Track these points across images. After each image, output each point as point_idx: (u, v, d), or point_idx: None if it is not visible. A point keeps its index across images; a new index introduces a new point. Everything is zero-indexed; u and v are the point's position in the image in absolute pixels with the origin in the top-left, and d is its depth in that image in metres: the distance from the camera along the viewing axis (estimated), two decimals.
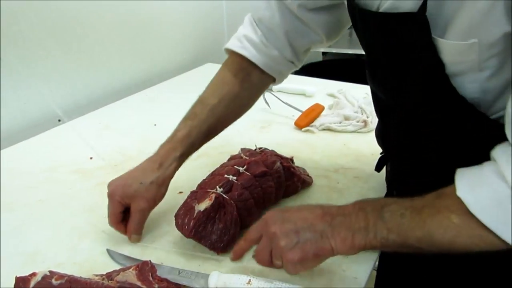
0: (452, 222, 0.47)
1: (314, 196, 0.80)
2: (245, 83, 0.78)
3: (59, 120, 1.18)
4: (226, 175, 0.70)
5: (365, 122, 1.03)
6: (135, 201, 0.69)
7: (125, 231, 0.70)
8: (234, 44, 0.77)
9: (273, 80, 0.81)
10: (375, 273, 0.86)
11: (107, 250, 0.68)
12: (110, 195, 0.70)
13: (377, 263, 0.74)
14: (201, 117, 0.76)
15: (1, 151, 1.00)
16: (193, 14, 1.60)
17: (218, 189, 0.67)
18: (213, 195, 0.66)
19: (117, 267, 0.64)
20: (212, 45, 1.72)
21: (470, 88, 0.52)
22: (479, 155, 0.48)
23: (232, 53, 0.78)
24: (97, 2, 1.20)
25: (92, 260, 0.66)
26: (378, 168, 0.82)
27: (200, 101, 0.79)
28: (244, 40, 0.76)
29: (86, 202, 0.81)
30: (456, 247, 0.48)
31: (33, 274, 0.57)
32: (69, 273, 0.58)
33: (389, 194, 0.80)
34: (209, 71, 1.51)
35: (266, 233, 0.57)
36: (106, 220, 0.74)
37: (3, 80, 1.03)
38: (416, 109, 0.60)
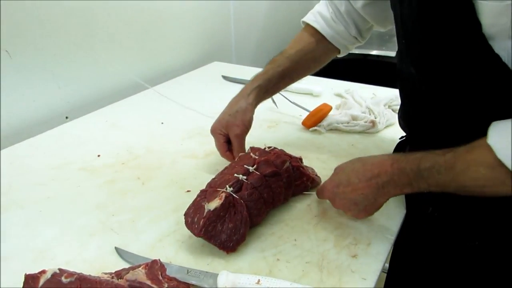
0: (481, 174, 0.52)
1: None
2: (319, 44, 0.91)
3: (66, 117, 1.18)
4: (236, 174, 0.70)
5: (373, 122, 1.02)
6: (230, 130, 0.84)
7: (232, 158, 0.83)
8: (309, 18, 0.92)
9: (338, 52, 0.95)
10: (384, 275, 0.85)
11: (116, 248, 0.68)
12: (212, 131, 0.86)
13: (387, 264, 0.74)
14: (278, 62, 0.89)
15: (10, 147, 1.01)
16: (200, 13, 1.60)
17: (228, 188, 0.67)
18: (223, 194, 0.66)
19: (126, 265, 0.64)
20: (219, 43, 1.72)
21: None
22: None
23: (307, 25, 0.92)
24: (106, 1, 1.20)
25: (101, 258, 0.66)
26: (396, 151, 0.85)
27: (280, 53, 0.92)
28: (318, 15, 0.90)
29: (95, 199, 0.81)
30: (487, 193, 0.54)
31: (43, 272, 0.57)
32: (78, 271, 0.58)
33: None
34: (216, 70, 1.54)
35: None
36: (115, 218, 0.75)
37: (12, 77, 1.03)
38: (452, 79, 0.60)
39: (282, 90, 0.95)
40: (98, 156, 0.96)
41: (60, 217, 0.76)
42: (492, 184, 0.52)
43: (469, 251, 0.70)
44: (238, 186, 0.68)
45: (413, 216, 0.76)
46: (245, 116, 0.84)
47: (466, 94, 0.60)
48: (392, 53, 1.89)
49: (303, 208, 0.76)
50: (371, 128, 1.02)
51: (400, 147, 0.86)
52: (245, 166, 0.72)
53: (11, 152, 0.99)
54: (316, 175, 0.83)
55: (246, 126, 0.85)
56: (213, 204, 0.65)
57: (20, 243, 0.70)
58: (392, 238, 0.69)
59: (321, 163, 0.90)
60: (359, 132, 1.03)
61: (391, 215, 0.74)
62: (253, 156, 0.75)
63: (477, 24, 0.52)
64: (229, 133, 0.84)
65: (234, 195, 0.67)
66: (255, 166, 0.72)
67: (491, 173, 0.51)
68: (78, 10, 1.13)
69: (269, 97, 0.93)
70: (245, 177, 0.69)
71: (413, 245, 0.78)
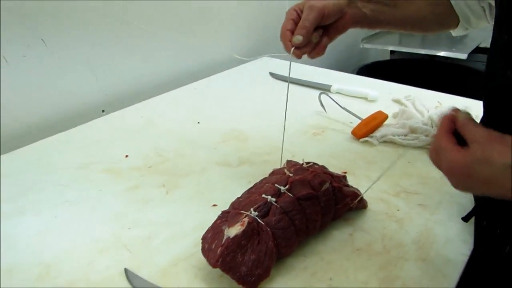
0: None
1: (369, 224, 0.68)
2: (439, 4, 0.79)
3: (103, 111, 1.13)
4: (264, 195, 0.60)
5: None
6: (306, 3, 0.69)
7: (289, 39, 0.69)
8: None
9: (455, 25, 0.81)
10: None
11: (125, 270, 0.60)
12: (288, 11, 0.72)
13: None
14: None
15: (40, 141, 0.96)
16: (252, 4, 1.50)
17: (252, 212, 0.57)
18: (246, 219, 0.56)
19: None
20: (271, 37, 1.61)
21: None
22: None
23: None
24: None
25: (109, 280, 0.59)
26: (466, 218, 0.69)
27: None
28: None
29: (114, 207, 0.74)
30: None
31: None
32: None
33: (479, 210, 0.67)
34: (265, 65, 1.43)
35: None
36: (130, 232, 0.67)
37: (47, 67, 0.99)
38: None
39: (332, 92, 0.83)
40: (126, 156, 0.89)
41: (75, 226, 0.70)
42: None
43: None
44: (266, 210, 0.58)
45: (481, 257, 0.62)
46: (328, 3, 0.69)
47: None
48: (463, 56, 1.69)
49: (344, 238, 0.65)
50: None
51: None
52: (276, 185, 0.61)
53: (41, 147, 0.94)
54: (362, 197, 0.70)
55: (323, 11, 0.69)
56: (234, 231, 0.55)
57: (27, 255, 0.64)
58: None
59: (370, 183, 0.77)
60: (418, 148, 0.88)
61: (452, 255, 0.61)
62: (287, 173, 0.65)
63: None
64: (304, 5, 0.70)
65: (260, 221, 0.57)
66: (287, 186, 0.61)
67: None
68: None
69: (360, 15, 0.76)
70: (274, 199, 0.59)
71: None
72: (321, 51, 0.74)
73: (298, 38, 0.68)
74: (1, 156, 0.90)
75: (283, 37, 0.71)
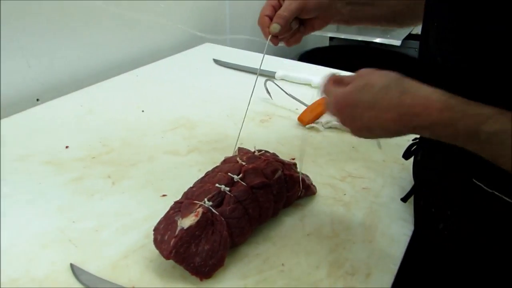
0: None
1: (318, 209, 0.70)
2: None
3: (37, 100, 1.06)
4: (217, 184, 0.59)
5: None
6: None
7: (267, 26, 0.67)
8: None
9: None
10: None
11: (71, 265, 0.57)
12: None
13: None
14: None
15: None
16: None
17: (206, 202, 0.57)
18: (200, 210, 0.56)
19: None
20: (213, 24, 1.59)
21: None
22: None
23: None
24: None
25: (54, 277, 0.56)
26: (406, 155, 0.74)
27: None
28: None
29: (57, 201, 0.70)
30: None
31: None
32: None
33: (416, 191, 0.70)
34: (207, 52, 1.41)
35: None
36: (75, 225, 0.65)
37: None
38: (494, 76, 0.49)
39: (277, 78, 0.83)
40: (67, 147, 0.85)
41: (14, 220, 0.66)
42: None
43: (488, 276, 0.60)
44: (220, 200, 0.58)
45: (421, 235, 0.66)
46: None
47: (507, 93, 0.48)
48: (397, 42, 1.76)
49: (295, 223, 0.66)
50: None
51: (411, 152, 0.75)
52: (229, 174, 0.61)
53: None
54: (312, 183, 0.72)
55: (309, 3, 0.68)
56: (188, 221, 0.55)
57: None
58: (395, 268, 0.59)
59: (318, 168, 0.80)
60: None
61: (396, 237, 0.65)
62: (240, 161, 0.65)
63: None
64: None
65: (214, 211, 0.56)
66: (241, 175, 0.61)
67: None
68: None
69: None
70: (228, 188, 0.59)
71: (419, 274, 0.69)
72: (299, 40, 0.74)
73: (275, 27, 0.67)
74: None
75: (261, 22, 0.69)
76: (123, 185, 0.74)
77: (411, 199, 0.71)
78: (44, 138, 0.88)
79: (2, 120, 0.94)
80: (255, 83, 0.75)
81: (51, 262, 0.58)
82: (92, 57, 1.19)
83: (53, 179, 0.75)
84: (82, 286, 0.55)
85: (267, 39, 0.69)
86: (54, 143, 0.86)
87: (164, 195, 0.71)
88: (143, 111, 1.00)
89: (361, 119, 0.53)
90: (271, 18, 0.68)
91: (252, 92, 0.75)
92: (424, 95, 0.48)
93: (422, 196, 0.68)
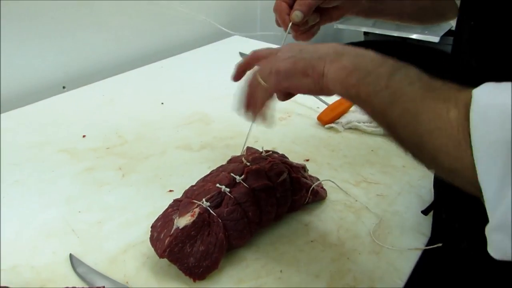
0: (445, 114, 0.36)
1: (325, 214, 0.67)
2: None
3: (63, 87, 1.08)
4: (218, 185, 0.58)
5: None
6: None
7: (286, 12, 0.62)
8: None
9: (454, 16, 0.70)
10: None
11: (70, 255, 0.58)
12: None
13: None
14: None
15: None
16: None
17: (205, 202, 0.56)
18: (197, 210, 0.54)
19: (77, 280, 0.54)
20: (243, 16, 1.57)
21: None
22: None
23: None
24: None
25: (52, 266, 0.56)
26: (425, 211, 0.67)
27: None
28: None
29: (67, 190, 0.71)
30: (430, 143, 0.37)
31: None
32: (23, 279, 0.51)
33: (438, 202, 0.65)
34: (236, 45, 1.40)
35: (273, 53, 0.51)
36: (80, 216, 0.65)
37: (2, 41, 0.94)
38: None
39: None
40: (84, 136, 0.86)
41: (23, 208, 0.67)
42: (447, 135, 0.36)
43: None
44: (219, 200, 0.56)
45: (437, 251, 0.62)
46: None
47: None
48: (436, 38, 1.67)
49: (299, 228, 0.64)
50: None
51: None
52: (231, 174, 0.59)
53: None
54: (322, 187, 0.70)
55: None
56: (183, 221, 0.54)
57: None
58: (401, 283, 0.56)
59: (332, 171, 0.77)
60: (382, 135, 0.88)
61: (406, 250, 0.61)
62: (245, 161, 0.63)
63: None
64: None
65: (211, 212, 0.55)
66: (243, 176, 0.59)
67: (456, 122, 0.35)
68: None
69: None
70: (228, 189, 0.57)
71: None
72: (310, 36, 0.68)
73: (297, 15, 0.60)
74: None
75: (278, 9, 0.62)
76: (132, 178, 0.74)
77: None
78: (63, 126, 0.89)
79: (27, 107, 0.96)
80: None
81: (52, 252, 0.59)
82: (120, 47, 1.20)
83: (66, 168, 0.76)
84: (78, 279, 0.55)
85: (285, 29, 0.63)
86: (73, 131, 0.87)
87: (170, 191, 0.71)
88: (162, 103, 1.00)
89: (298, 45, 0.50)
90: (289, 6, 0.62)
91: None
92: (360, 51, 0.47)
93: (444, 208, 0.64)
